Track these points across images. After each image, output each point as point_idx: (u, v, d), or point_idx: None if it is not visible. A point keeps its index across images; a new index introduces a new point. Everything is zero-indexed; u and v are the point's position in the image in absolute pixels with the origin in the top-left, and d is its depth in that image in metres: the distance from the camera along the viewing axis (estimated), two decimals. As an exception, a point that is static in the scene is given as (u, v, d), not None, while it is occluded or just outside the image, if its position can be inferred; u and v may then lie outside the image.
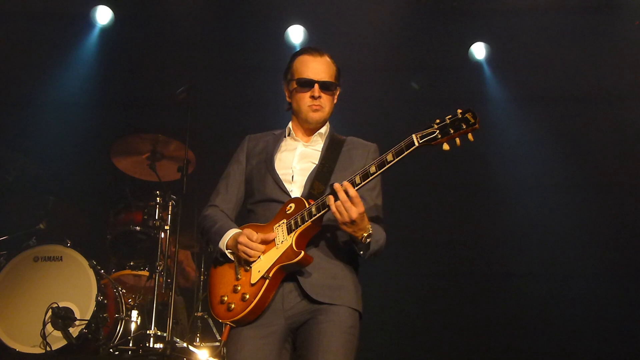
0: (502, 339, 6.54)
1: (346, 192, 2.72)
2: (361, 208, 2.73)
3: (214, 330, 5.69)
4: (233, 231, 2.98)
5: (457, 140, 2.67)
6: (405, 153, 2.70)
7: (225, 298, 2.89)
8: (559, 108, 7.01)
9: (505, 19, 6.94)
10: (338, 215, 2.73)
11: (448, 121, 2.67)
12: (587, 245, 6.63)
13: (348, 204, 2.71)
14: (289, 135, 3.23)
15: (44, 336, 4.85)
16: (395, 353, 6.57)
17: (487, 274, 6.85)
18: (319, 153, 3.12)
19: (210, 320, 5.73)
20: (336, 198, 2.73)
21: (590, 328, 6.41)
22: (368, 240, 2.83)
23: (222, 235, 2.98)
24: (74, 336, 4.87)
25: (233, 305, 2.85)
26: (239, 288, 2.87)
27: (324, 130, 3.20)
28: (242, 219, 3.15)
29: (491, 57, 7.28)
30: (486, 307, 6.75)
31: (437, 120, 2.70)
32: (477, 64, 7.31)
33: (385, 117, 6.75)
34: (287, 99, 3.25)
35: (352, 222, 2.73)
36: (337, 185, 2.74)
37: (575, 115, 6.92)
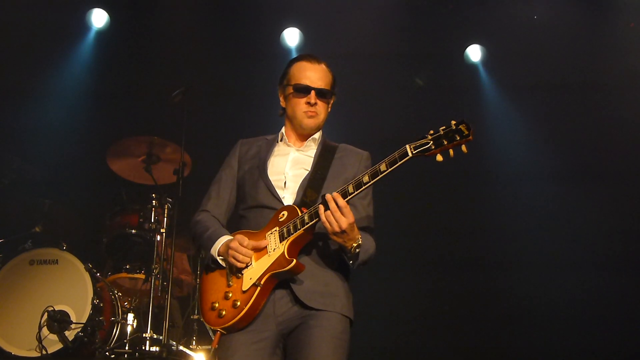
0: (500, 344, 6.55)
1: (336, 202, 2.73)
2: (351, 218, 2.74)
3: (210, 333, 5.67)
4: (225, 238, 2.98)
5: (451, 151, 2.68)
6: (399, 163, 2.71)
7: (217, 304, 2.90)
8: (555, 109, 7.03)
9: (501, 21, 6.96)
10: (327, 225, 2.74)
11: (442, 132, 2.67)
12: (586, 237, 6.63)
13: (338, 214, 2.72)
14: (281, 140, 3.23)
15: (39, 340, 4.85)
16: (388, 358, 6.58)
17: (486, 276, 6.86)
18: (312, 159, 3.12)
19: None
20: (326, 208, 2.74)
21: (593, 323, 6.37)
22: (357, 250, 2.84)
23: (214, 242, 2.98)
24: (70, 339, 4.87)
25: (224, 312, 2.86)
26: (230, 295, 2.88)
27: (317, 136, 3.21)
28: (234, 224, 3.14)
29: (487, 59, 7.30)
30: (484, 309, 6.75)
31: (431, 131, 2.70)
32: (472, 66, 7.33)
33: (379, 120, 6.76)
34: (282, 104, 3.25)
35: (342, 232, 2.74)
36: (328, 196, 2.75)
37: (572, 116, 6.94)
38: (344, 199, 2.76)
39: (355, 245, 2.81)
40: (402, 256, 6.48)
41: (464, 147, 2.66)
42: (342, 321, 2.89)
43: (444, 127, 2.68)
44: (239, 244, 2.87)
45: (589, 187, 6.73)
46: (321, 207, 2.76)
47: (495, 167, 6.99)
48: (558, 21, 6.82)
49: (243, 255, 2.86)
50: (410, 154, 2.70)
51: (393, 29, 6.94)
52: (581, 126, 6.89)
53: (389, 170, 2.72)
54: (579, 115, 6.91)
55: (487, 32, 7.15)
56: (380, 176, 2.74)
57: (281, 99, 3.25)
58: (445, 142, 2.66)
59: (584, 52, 6.82)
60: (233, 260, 2.88)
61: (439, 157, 2.69)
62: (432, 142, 2.68)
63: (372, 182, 2.75)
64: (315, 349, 2.78)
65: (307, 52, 3.34)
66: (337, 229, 2.73)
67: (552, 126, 7.02)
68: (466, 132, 2.63)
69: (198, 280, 5.96)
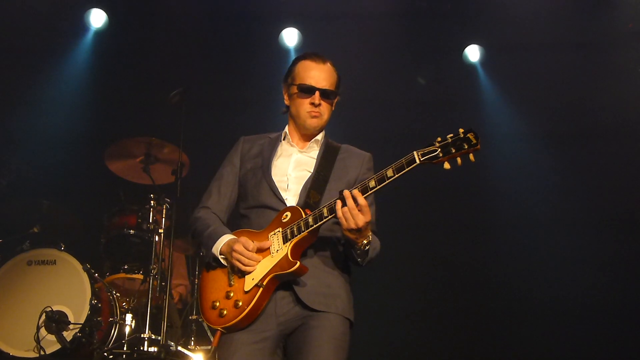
0: (501, 344, 6.54)
1: (355, 200, 2.72)
2: (368, 217, 2.75)
3: (209, 334, 5.67)
4: (227, 237, 2.96)
5: (459, 159, 2.67)
6: (406, 170, 2.70)
7: (217, 304, 2.89)
8: (554, 109, 7.02)
9: (500, 21, 6.96)
10: (344, 221, 2.74)
11: (450, 140, 2.66)
12: (589, 248, 6.62)
13: (355, 211, 2.72)
14: (284, 139, 3.22)
15: (37, 340, 4.84)
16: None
17: (485, 280, 6.86)
18: (314, 161, 3.12)
19: (205, 324, 5.71)
20: (344, 204, 2.74)
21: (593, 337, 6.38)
22: (367, 247, 2.85)
23: (216, 241, 2.96)
24: (68, 340, 4.87)
25: (225, 312, 2.84)
26: (232, 294, 2.87)
27: (320, 137, 3.20)
28: (234, 222, 3.13)
29: (485, 59, 7.30)
30: (482, 314, 6.75)
31: (439, 139, 2.69)
32: (471, 66, 7.33)
33: (378, 119, 6.76)
34: (286, 102, 3.24)
35: (358, 229, 2.74)
36: (346, 192, 2.74)
37: (569, 117, 6.94)
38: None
39: (365, 242, 2.83)
40: (403, 258, 6.46)
41: (471, 156, 2.66)
42: (343, 322, 2.90)
43: (452, 135, 2.67)
44: (244, 247, 2.86)
45: (591, 192, 6.73)
46: (339, 203, 2.75)
47: (494, 166, 6.98)
48: (557, 21, 6.81)
49: (250, 259, 2.85)
50: (417, 161, 2.69)
51: (392, 29, 6.93)
52: (581, 125, 6.88)
53: (396, 176, 2.71)
54: (578, 114, 6.90)
55: (486, 32, 7.14)
56: (387, 182, 2.73)
57: (285, 96, 3.24)
58: (454, 150, 2.65)
59: (583, 52, 6.82)
60: (238, 264, 2.86)
61: (447, 165, 2.68)
62: (440, 149, 2.67)
63: (378, 187, 2.75)
64: (316, 349, 2.78)
65: (312, 51, 3.29)
66: (353, 226, 2.73)
67: (551, 125, 7.01)
68: (474, 141, 2.62)
69: (196, 281, 5.96)
